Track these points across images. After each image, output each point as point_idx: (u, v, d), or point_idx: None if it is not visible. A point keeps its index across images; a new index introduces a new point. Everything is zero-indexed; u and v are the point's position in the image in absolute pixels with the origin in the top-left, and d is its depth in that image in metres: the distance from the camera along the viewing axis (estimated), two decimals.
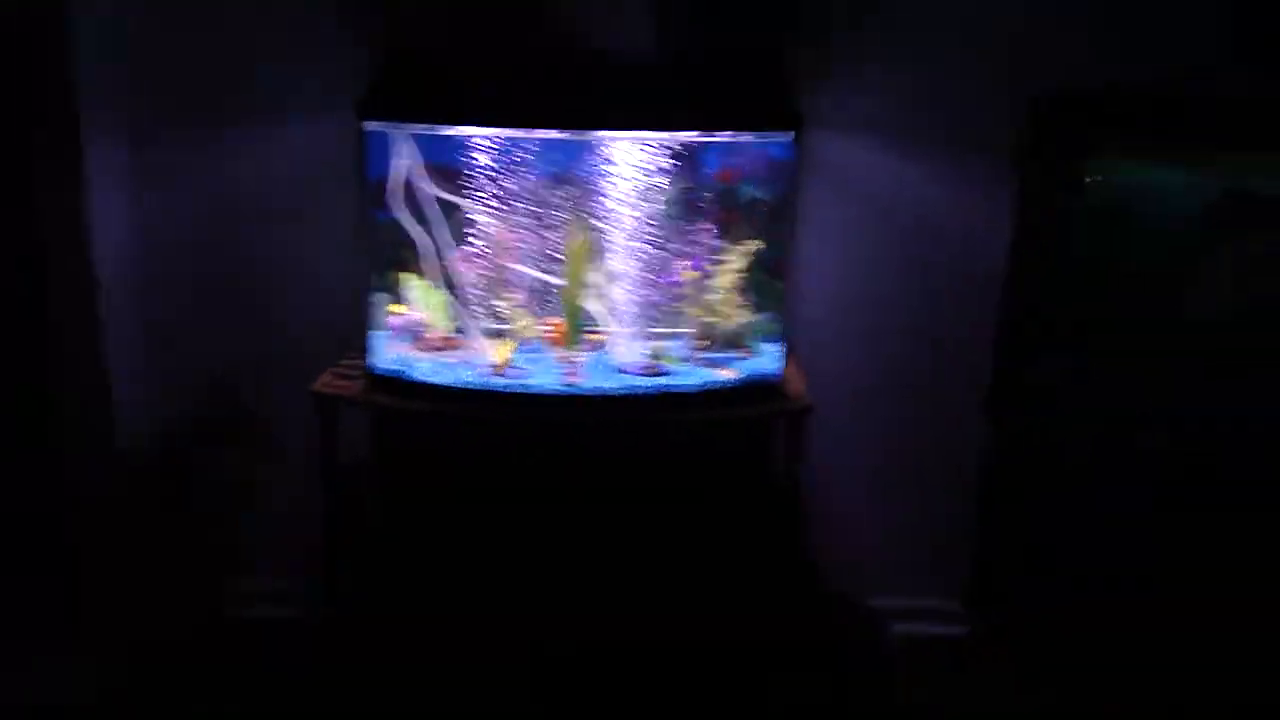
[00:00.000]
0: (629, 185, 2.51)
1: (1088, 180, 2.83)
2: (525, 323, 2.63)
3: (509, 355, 2.55)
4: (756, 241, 2.55)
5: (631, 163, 2.50)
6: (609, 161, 2.49)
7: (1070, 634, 3.11)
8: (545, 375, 2.53)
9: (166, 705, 2.73)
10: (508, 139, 2.46)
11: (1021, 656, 3.13)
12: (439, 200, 2.53)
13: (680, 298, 2.60)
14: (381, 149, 2.48)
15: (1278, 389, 2.92)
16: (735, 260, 2.55)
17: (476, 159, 2.50)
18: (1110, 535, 3.04)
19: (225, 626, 3.07)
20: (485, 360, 2.56)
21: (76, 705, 2.70)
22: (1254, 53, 2.72)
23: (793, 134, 2.45)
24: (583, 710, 2.59)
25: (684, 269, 2.57)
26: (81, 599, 2.91)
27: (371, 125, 2.42)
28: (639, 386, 2.50)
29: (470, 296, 2.60)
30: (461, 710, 2.58)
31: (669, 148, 2.46)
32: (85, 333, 2.79)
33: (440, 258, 2.57)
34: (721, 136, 2.48)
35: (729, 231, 2.58)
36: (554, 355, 2.60)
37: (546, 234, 2.59)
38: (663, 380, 2.53)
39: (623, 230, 2.55)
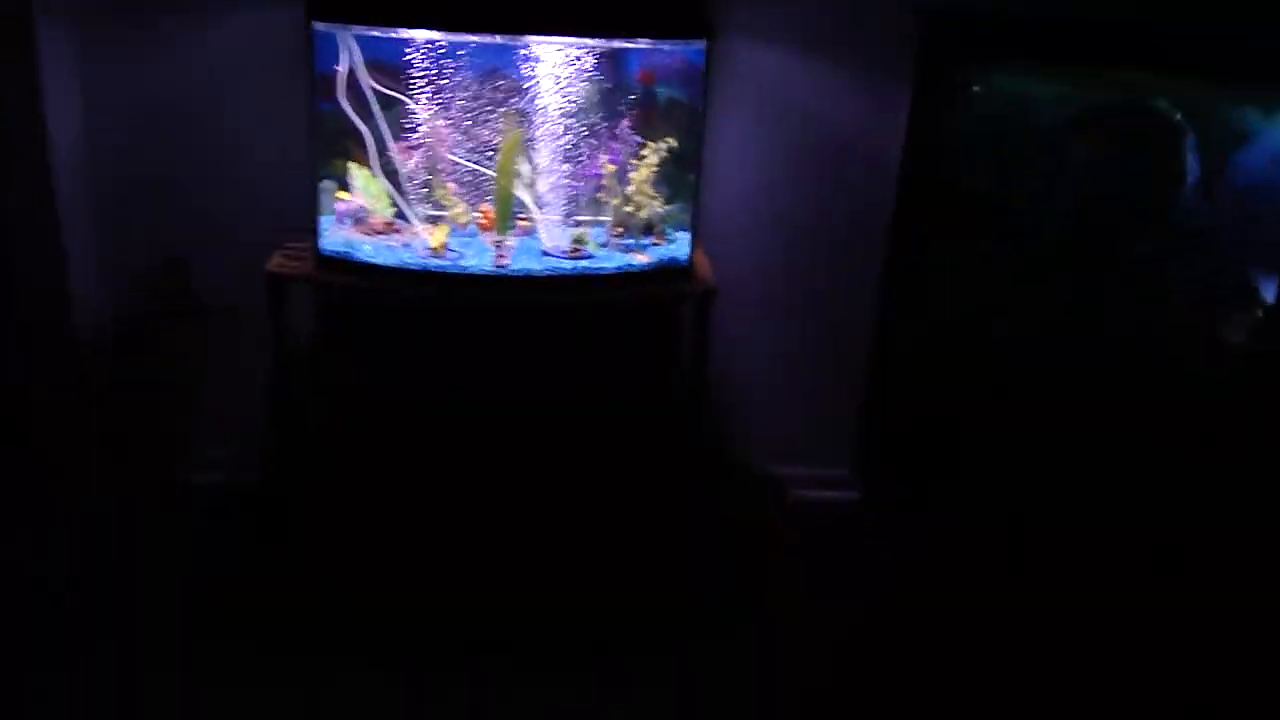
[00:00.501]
0: (555, 85, 2.76)
1: (973, 89, 3.16)
2: (460, 209, 2.88)
3: (445, 239, 2.81)
4: (670, 139, 2.83)
5: (557, 64, 2.75)
6: (537, 62, 2.73)
7: (952, 500, 3.50)
8: (478, 258, 2.81)
9: (122, 567, 2.99)
10: (444, 41, 2.70)
11: (906, 522, 3.52)
12: (380, 95, 2.77)
13: (600, 189, 2.88)
14: (328, 46, 2.69)
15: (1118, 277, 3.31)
16: (651, 156, 2.84)
17: (415, 58, 2.73)
18: (983, 410, 3.43)
19: (180, 491, 3.32)
20: (424, 243, 2.82)
21: (39, 570, 2.95)
22: None
23: (705, 42, 2.72)
24: (494, 570, 2.90)
25: (604, 163, 2.85)
26: (44, 469, 3.13)
27: (319, 25, 2.65)
28: (562, 269, 2.80)
29: (409, 185, 2.86)
30: (390, 574, 2.89)
31: (591, 51, 2.72)
32: (40, 217, 2.95)
33: (382, 148, 2.81)
34: (640, 43, 2.74)
35: (646, 129, 2.85)
36: (486, 239, 2.87)
37: (480, 128, 2.82)
38: (584, 264, 2.82)
39: (549, 126, 2.81)
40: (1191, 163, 3.30)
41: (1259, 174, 3.27)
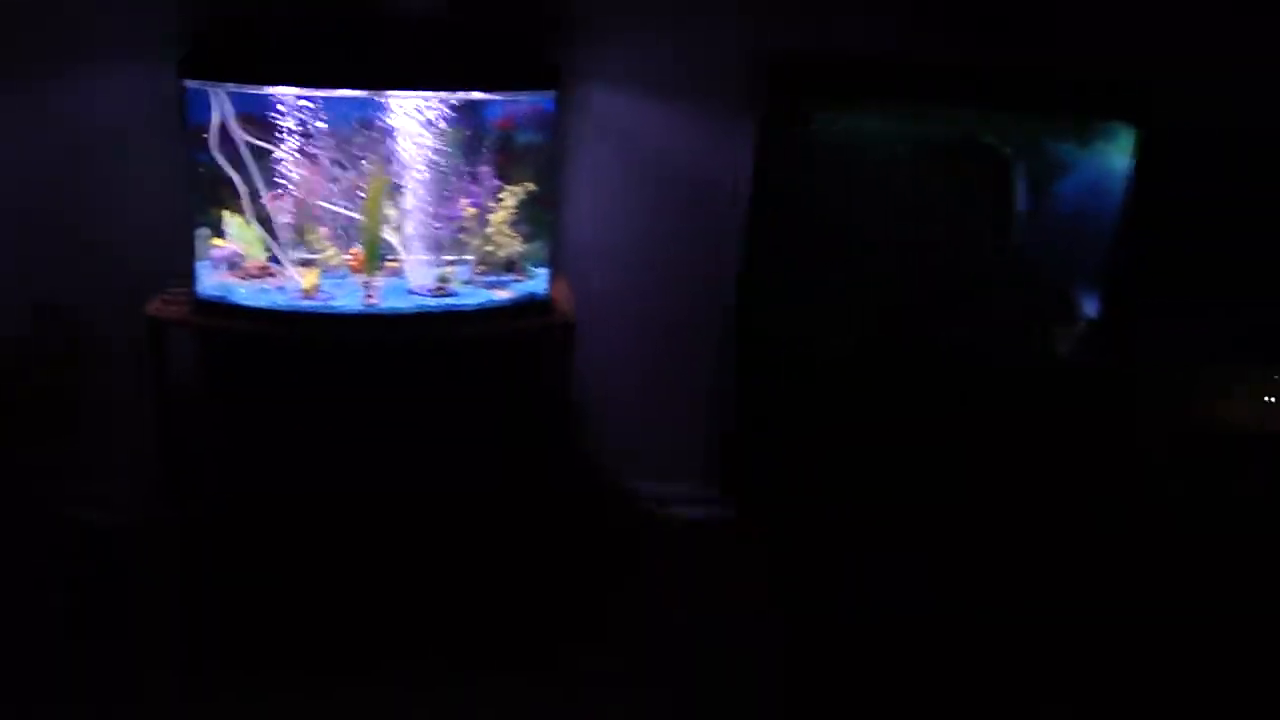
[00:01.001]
0: (417, 134, 3.00)
1: (812, 126, 3.45)
2: (331, 252, 3.09)
3: (317, 281, 3.01)
4: (528, 182, 3.08)
5: (420, 113, 2.99)
6: (399, 113, 2.96)
7: (809, 513, 3.78)
8: (349, 298, 3.01)
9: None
10: (313, 95, 2.91)
11: (770, 536, 3.78)
12: (251, 146, 2.98)
13: (463, 230, 3.12)
14: (201, 101, 2.89)
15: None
16: (509, 198, 3.08)
17: (284, 110, 2.95)
18: (833, 424, 3.73)
19: (64, 530, 3.44)
20: (297, 286, 3.02)
21: None
22: (941, 25, 3.38)
23: (554, 92, 2.98)
24: (375, 591, 3.12)
25: (465, 205, 3.09)
26: None
27: (191, 83, 2.85)
28: (428, 306, 3.02)
29: (282, 230, 3.06)
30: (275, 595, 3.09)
31: (450, 103, 2.97)
32: None
33: (254, 196, 3.01)
34: (495, 95, 2.99)
35: (505, 172, 3.10)
36: (356, 280, 3.08)
37: (347, 175, 3.05)
38: (448, 301, 3.05)
39: (413, 171, 3.05)
40: (1020, 192, 3.63)
41: (1076, 201, 3.62)
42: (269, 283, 3.04)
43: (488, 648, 3.07)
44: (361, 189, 3.03)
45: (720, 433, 3.79)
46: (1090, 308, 3.66)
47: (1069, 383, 3.71)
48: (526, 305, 3.09)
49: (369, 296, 2.98)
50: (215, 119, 2.90)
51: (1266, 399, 3.72)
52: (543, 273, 3.14)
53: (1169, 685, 3.12)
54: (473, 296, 3.07)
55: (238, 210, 2.99)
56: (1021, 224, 3.64)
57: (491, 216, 3.08)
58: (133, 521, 3.42)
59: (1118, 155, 3.50)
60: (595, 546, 3.52)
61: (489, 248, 3.11)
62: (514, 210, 3.08)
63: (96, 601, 3.15)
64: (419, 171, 3.03)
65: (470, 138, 3.05)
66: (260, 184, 2.97)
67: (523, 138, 3.10)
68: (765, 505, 3.82)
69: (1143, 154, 3.42)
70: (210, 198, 3.00)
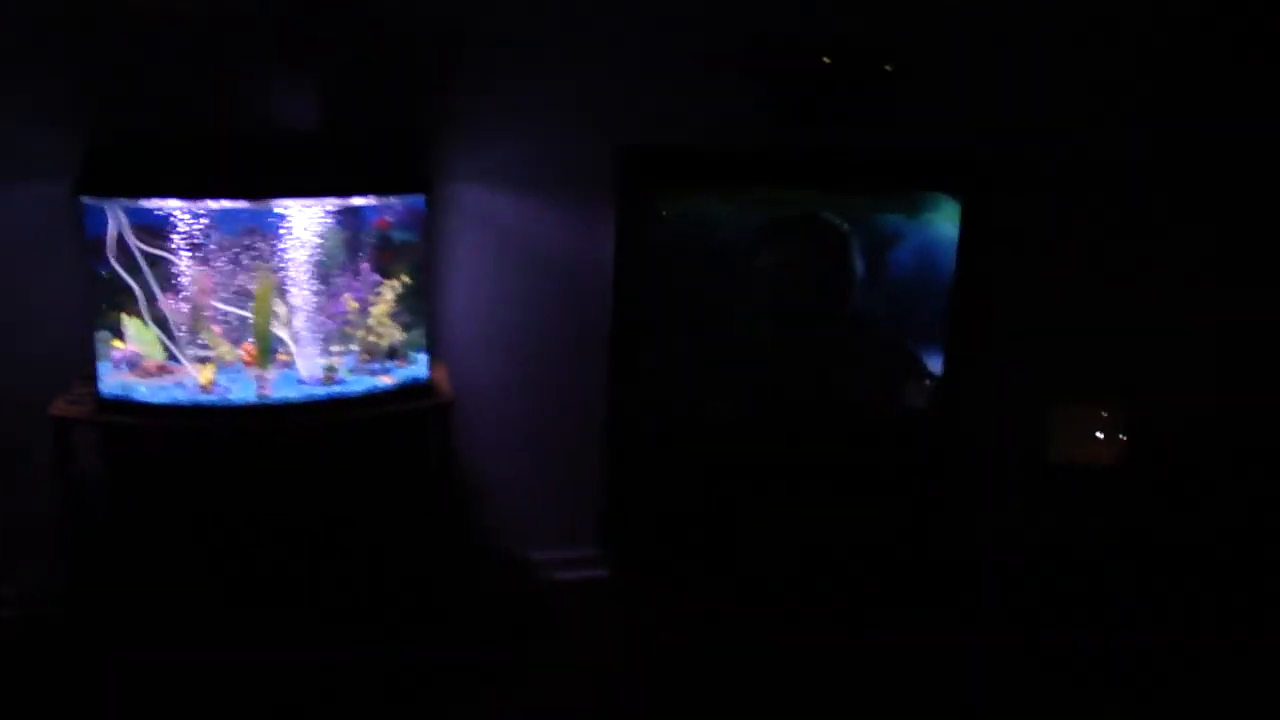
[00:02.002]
0: (302, 235, 3.35)
1: (662, 212, 3.88)
2: (225, 349, 3.41)
3: (213, 376, 3.32)
4: (405, 276, 3.45)
5: (303, 218, 3.34)
6: (285, 218, 3.31)
7: (691, 572, 4.17)
8: (244, 390, 3.33)
9: None
10: (201, 206, 3.26)
11: (651, 593, 4.14)
12: (146, 254, 3.31)
13: (347, 322, 3.47)
14: (97, 216, 3.21)
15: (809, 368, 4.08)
16: (388, 291, 3.45)
17: (176, 220, 3.28)
18: (705, 484, 4.13)
19: None
20: (194, 381, 3.34)
21: None
22: (779, 118, 3.85)
23: (425, 195, 3.37)
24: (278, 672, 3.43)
25: (348, 299, 3.45)
26: None
27: (86, 199, 3.18)
28: (317, 395, 3.36)
29: (178, 330, 3.39)
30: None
31: (330, 209, 3.34)
32: None
33: (151, 299, 3.33)
34: (370, 200, 3.37)
35: (384, 267, 3.46)
36: (250, 374, 3.40)
37: (237, 276, 3.38)
38: (336, 388, 3.39)
39: (299, 270, 3.40)
40: (858, 262, 4.09)
41: (909, 266, 4.10)
42: (168, 380, 3.34)
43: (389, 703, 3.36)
44: (251, 289, 3.34)
45: (602, 499, 4.12)
46: (937, 363, 4.09)
47: (914, 429, 4.15)
48: (409, 389, 3.44)
49: (262, 388, 3.30)
50: (111, 230, 3.22)
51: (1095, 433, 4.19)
52: (423, 358, 3.49)
53: None
54: (359, 383, 3.41)
55: (136, 313, 3.30)
56: (861, 289, 4.08)
57: (373, 309, 3.43)
58: (36, 615, 3.66)
59: (944, 223, 3.96)
60: (485, 608, 3.82)
61: (372, 338, 3.46)
62: (393, 302, 3.43)
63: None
64: (304, 270, 3.35)
65: (350, 238, 3.40)
66: (156, 288, 3.28)
67: (398, 235, 3.47)
68: (639, 567, 4.16)
69: (965, 221, 3.89)
70: (109, 302, 3.29)
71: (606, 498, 4.14)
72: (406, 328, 3.50)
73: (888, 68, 3.81)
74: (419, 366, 3.47)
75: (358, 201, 3.34)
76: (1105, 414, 4.23)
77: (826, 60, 3.74)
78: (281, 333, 3.41)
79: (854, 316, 4.16)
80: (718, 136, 3.82)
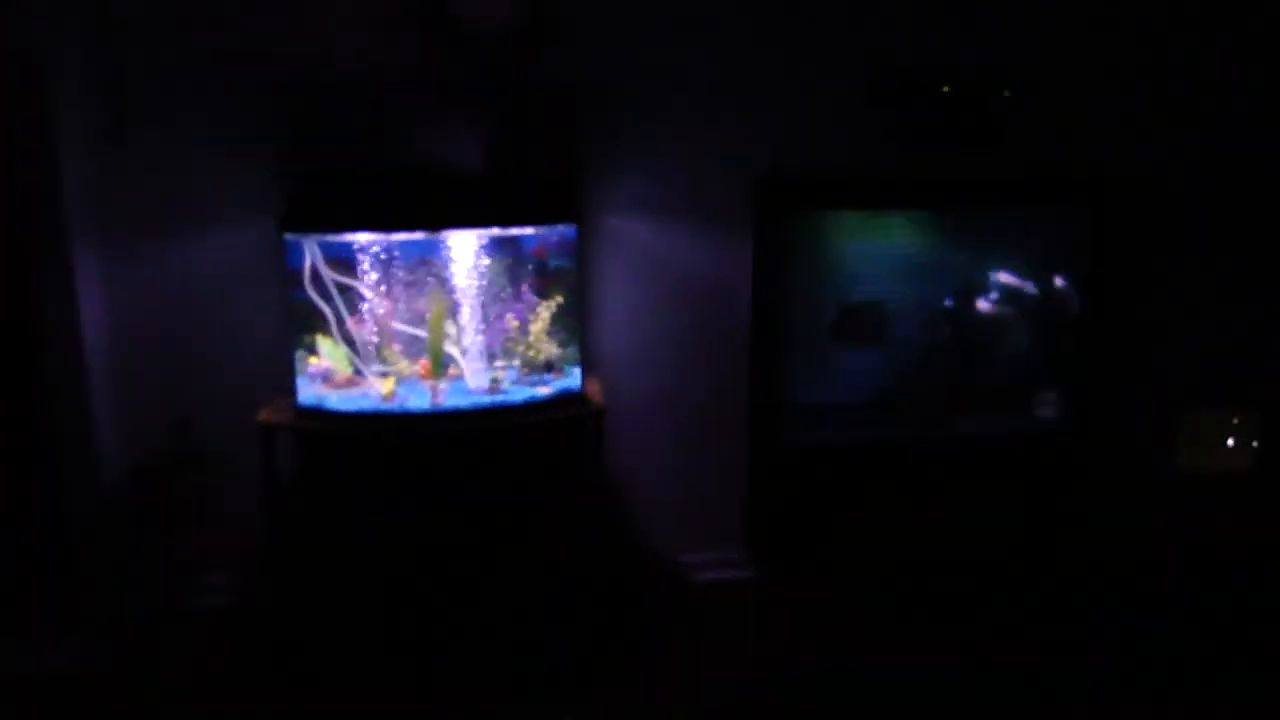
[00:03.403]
0: (470, 262, 3.89)
1: (796, 235, 4.30)
2: (404, 364, 3.98)
3: (394, 387, 3.88)
4: (559, 297, 3.96)
5: (471, 246, 3.89)
6: (454, 247, 3.85)
7: (832, 574, 4.55)
8: (419, 399, 3.86)
9: (144, 678, 3.90)
10: (381, 239, 3.84)
11: (796, 593, 4.53)
12: (337, 282, 3.91)
13: (509, 339, 4.00)
14: (296, 249, 3.79)
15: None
16: (545, 311, 3.97)
17: (362, 252, 3.86)
18: (851, 494, 4.50)
19: (191, 616, 4.26)
20: (377, 392, 3.90)
21: (69, 675, 3.87)
22: (903, 145, 4.24)
23: (576, 225, 3.87)
24: (450, 645, 3.94)
25: (510, 319, 3.98)
26: (79, 589, 4.06)
27: (288, 236, 3.79)
28: (483, 402, 3.88)
29: (364, 348, 3.97)
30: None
31: (494, 238, 3.88)
32: (75, 389, 3.91)
33: (340, 322, 3.92)
34: (529, 230, 3.90)
35: (542, 290, 3.98)
36: (425, 385, 3.95)
37: (414, 301, 3.93)
38: (500, 397, 3.91)
39: (468, 294, 3.94)
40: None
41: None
42: (355, 391, 3.90)
43: (546, 685, 3.84)
44: (426, 311, 3.90)
45: (745, 503, 4.54)
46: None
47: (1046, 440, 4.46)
48: (564, 398, 3.92)
49: (436, 398, 3.84)
50: (307, 262, 3.82)
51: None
52: (576, 371, 3.98)
53: None
54: (519, 393, 3.91)
55: (328, 334, 3.88)
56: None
57: (532, 327, 3.94)
58: (245, 606, 4.26)
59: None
60: (629, 604, 4.30)
61: (531, 353, 3.96)
62: (549, 321, 3.94)
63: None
64: (472, 294, 3.90)
65: (511, 264, 3.93)
66: (345, 312, 3.86)
67: (554, 262, 3.98)
68: (782, 569, 4.57)
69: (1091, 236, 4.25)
70: (305, 325, 3.88)
71: (751, 502, 4.53)
72: (562, 344, 3.98)
73: (1006, 94, 4.13)
74: (573, 378, 3.96)
75: (517, 231, 3.85)
76: (1236, 422, 4.41)
77: (946, 89, 4.09)
78: (452, 349, 3.94)
79: (988, 328, 4.46)
80: (846, 164, 4.22)
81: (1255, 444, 4.38)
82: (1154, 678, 3.88)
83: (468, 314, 3.93)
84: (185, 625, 4.21)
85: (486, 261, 3.88)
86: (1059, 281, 4.46)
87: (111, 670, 3.91)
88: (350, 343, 3.89)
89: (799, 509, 4.51)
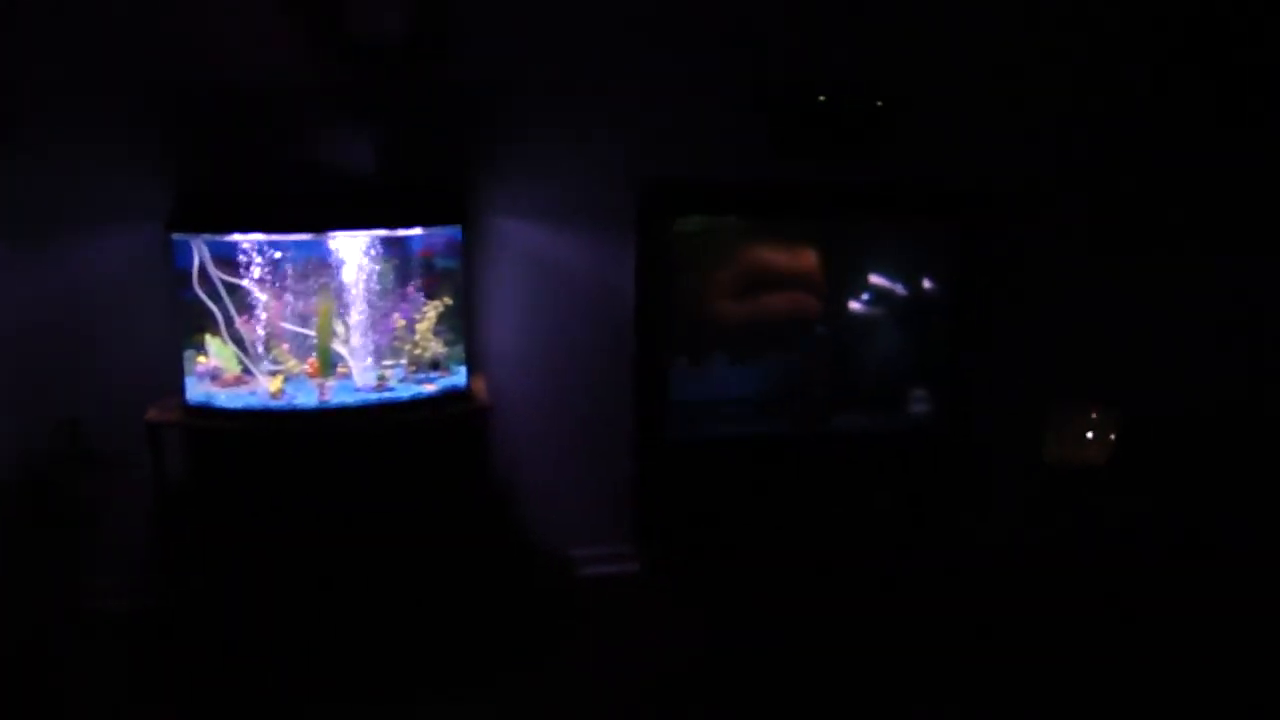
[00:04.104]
0: (357, 263, 4.02)
1: (675, 233, 4.49)
2: (292, 363, 4.09)
3: (281, 385, 3.99)
4: (446, 298, 4.11)
5: (359, 247, 4.03)
6: (342, 248, 3.98)
7: (716, 565, 4.75)
8: (307, 397, 3.98)
9: (28, 685, 3.92)
10: (270, 239, 3.96)
11: (682, 584, 4.73)
12: (225, 282, 4.02)
13: (396, 338, 4.14)
14: (184, 250, 3.88)
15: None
16: (431, 311, 4.11)
17: (250, 252, 3.98)
18: (733, 488, 4.70)
19: (80, 617, 4.31)
20: (265, 390, 4.01)
21: None
22: (780, 151, 4.46)
23: (460, 226, 4.03)
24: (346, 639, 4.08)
25: (396, 319, 4.12)
26: None
27: (175, 236, 3.89)
28: (370, 400, 4.02)
29: (252, 348, 4.08)
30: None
31: (381, 239, 4.02)
32: None
33: (229, 321, 4.02)
34: (415, 231, 4.05)
35: (428, 290, 4.13)
36: (313, 383, 4.08)
37: (302, 300, 4.04)
38: (386, 394, 4.04)
39: (355, 294, 4.07)
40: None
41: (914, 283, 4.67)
42: (243, 389, 4.01)
43: (439, 679, 3.97)
44: (314, 311, 4.03)
45: (633, 498, 4.73)
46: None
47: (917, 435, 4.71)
48: (450, 396, 4.07)
49: (323, 395, 3.97)
50: (196, 263, 3.92)
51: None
52: (462, 370, 4.13)
53: None
54: (406, 391, 4.05)
55: (216, 333, 3.98)
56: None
57: (418, 326, 4.08)
58: (137, 607, 4.31)
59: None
60: (518, 598, 4.46)
61: (417, 351, 4.11)
62: (435, 320, 4.09)
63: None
64: (360, 294, 4.03)
65: (398, 265, 4.07)
66: (233, 311, 3.97)
67: (440, 262, 4.13)
68: (667, 562, 4.75)
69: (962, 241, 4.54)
70: (194, 325, 3.97)
71: (637, 497, 4.71)
72: (448, 343, 4.13)
73: (879, 103, 4.37)
74: (459, 377, 4.11)
75: (404, 233, 4.00)
76: (1095, 416, 4.69)
77: (822, 98, 4.31)
78: (340, 348, 4.07)
79: (862, 329, 4.69)
80: (728, 169, 4.43)
81: (1113, 437, 4.60)
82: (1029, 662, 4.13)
83: (356, 313, 4.02)
84: (75, 627, 4.26)
85: (374, 261, 3.98)
86: (929, 284, 4.65)
87: None
88: (239, 342, 3.99)
89: (683, 503, 4.68)
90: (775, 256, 4.61)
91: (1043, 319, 4.77)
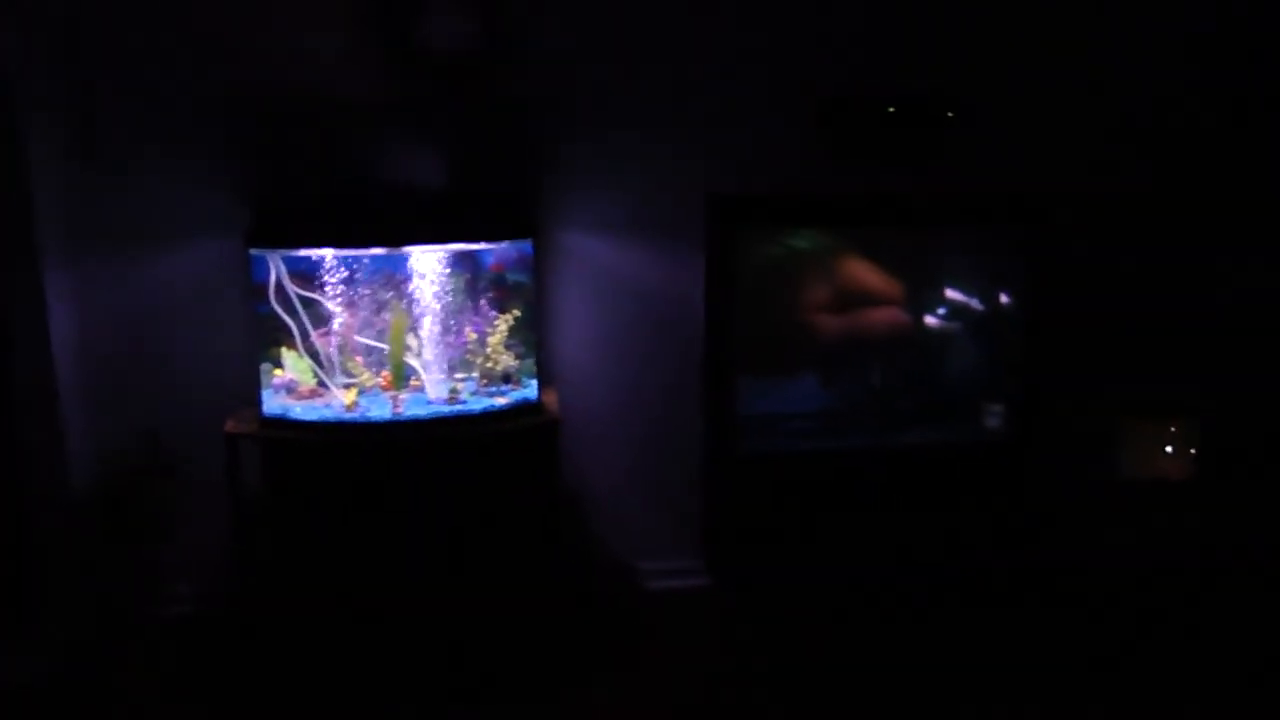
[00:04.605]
0: (430, 277, 4.07)
1: (743, 250, 4.51)
2: (365, 376, 4.17)
3: (355, 398, 4.06)
4: (516, 311, 4.16)
5: (431, 261, 4.09)
6: (415, 262, 4.04)
7: (786, 580, 4.76)
8: (381, 409, 4.05)
9: (103, 690, 4.03)
10: (344, 254, 4.03)
11: (751, 599, 4.73)
12: (301, 296, 4.10)
13: (468, 352, 4.21)
14: (261, 264, 3.98)
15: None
16: (503, 324, 4.17)
17: (325, 267, 4.04)
18: (802, 502, 4.71)
19: (155, 623, 4.42)
20: (340, 402, 4.09)
21: (32, 688, 3.98)
22: (849, 164, 4.47)
23: (531, 240, 4.08)
24: (417, 650, 4.13)
25: (469, 332, 4.18)
26: (44, 601, 4.22)
27: (253, 251, 3.98)
28: (442, 412, 4.07)
29: (327, 361, 4.16)
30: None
31: (453, 253, 4.08)
32: (45, 400, 4.07)
33: (304, 335, 4.09)
34: (487, 245, 4.11)
35: (499, 303, 4.18)
36: (386, 396, 4.14)
37: (376, 314, 4.12)
38: (458, 407, 4.10)
39: (428, 308, 4.13)
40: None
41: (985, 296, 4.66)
42: (318, 401, 4.09)
43: (509, 687, 4.02)
44: (388, 325, 4.10)
45: (702, 515, 4.75)
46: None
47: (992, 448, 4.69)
48: (521, 408, 4.12)
49: (396, 407, 4.03)
50: (272, 277, 4.01)
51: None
52: (533, 383, 4.18)
53: None
54: (478, 404, 4.10)
55: (292, 347, 4.07)
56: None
57: (490, 340, 4.14)
58: (210, 614, 4.43)
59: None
60: (587, 610, 4.51)
61: (489, 365, 4.16)
62: (506, 334, 4.14)
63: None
64: (432, 308, 4.10)
65: (470, 278, 4.13)
66: (309, 325, 4.05)
67: (512, 276, 4.18)
68: (737, 576, 4.76)
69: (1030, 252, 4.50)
70: (270, 338, 4.06)
71: (706, 511, 4.73)
72: (519, 356, 4.18)
73: (950, 114, 4.36)
74: (530, 389, 4.16)
75: (475, 247, 4.06)
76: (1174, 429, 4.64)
77: (891, 109, 4.32)
78: (413, 361, 4.14)
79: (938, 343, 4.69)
80: (796, 182, 4.45)
81: (1193, 451, 4.55)
82: (1102, 679, 4.08)
83: (428, 327, 4.08)
84: (153, 635, 4.36)
85: (446, 276, 4.05)
86: (1003, 296, 4.62)
87: (77, 682, 4.04)
88: (314, 355, 4.07)
89: (752, 517, 4.68)
90: (865, 273, 4.58)
91: (1119, 329, 4.71)
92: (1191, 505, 4.76)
